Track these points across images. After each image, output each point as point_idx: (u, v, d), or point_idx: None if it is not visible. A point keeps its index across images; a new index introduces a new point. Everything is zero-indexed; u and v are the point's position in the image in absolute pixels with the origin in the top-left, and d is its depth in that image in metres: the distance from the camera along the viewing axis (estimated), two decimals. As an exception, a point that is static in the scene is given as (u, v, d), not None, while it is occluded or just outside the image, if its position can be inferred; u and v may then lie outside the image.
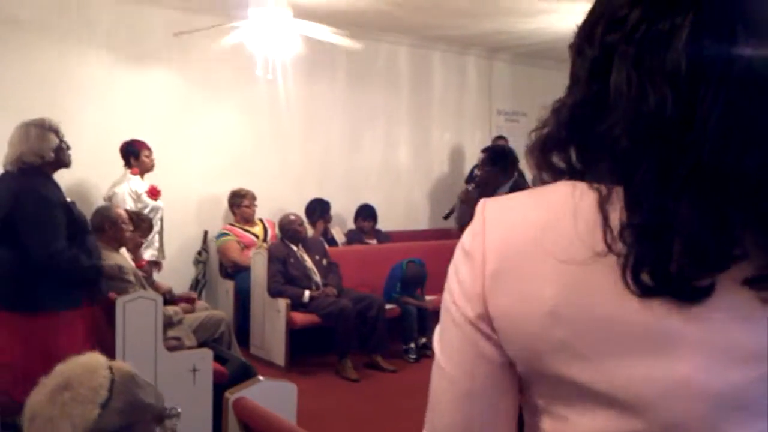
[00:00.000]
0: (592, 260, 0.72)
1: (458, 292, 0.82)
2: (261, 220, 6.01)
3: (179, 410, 1.45)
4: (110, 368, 1.39)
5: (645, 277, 0.70)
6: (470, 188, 5.16)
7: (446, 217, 5.66)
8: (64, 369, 1.39)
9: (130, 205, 4.93)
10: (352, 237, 6.51)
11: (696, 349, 0.72)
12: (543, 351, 0.77)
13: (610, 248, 0.71)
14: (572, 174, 0.77)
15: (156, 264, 5.13)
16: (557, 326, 0.75)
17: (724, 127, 0.68)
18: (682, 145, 0.68)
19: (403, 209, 7.23)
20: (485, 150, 4.49)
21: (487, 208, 0.82)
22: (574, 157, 0.77)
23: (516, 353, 0.80)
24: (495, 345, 0.81)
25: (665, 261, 0.69)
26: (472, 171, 6.96)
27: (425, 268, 5.68)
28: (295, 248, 5.42)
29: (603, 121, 0.72)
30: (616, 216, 0.71)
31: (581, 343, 0.75)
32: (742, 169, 0.67)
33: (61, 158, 3.31)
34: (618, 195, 0.72)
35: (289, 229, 5.46)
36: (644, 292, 0.70)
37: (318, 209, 6.22)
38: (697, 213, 0.68)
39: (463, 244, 0.84)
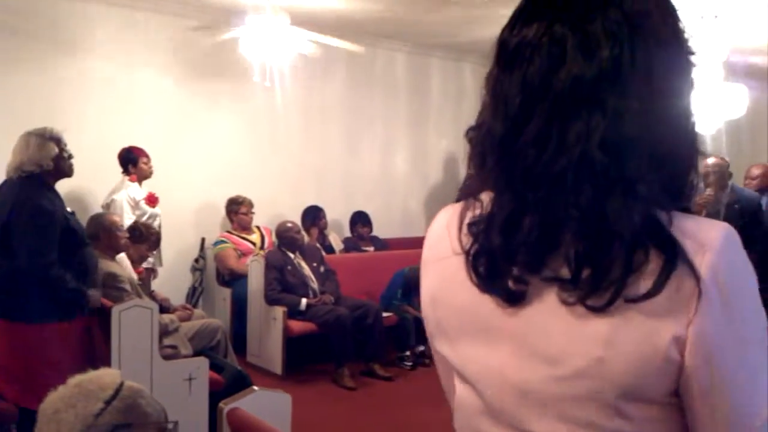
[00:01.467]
0: (454, 257, 0.86)
1: None
2: (258, 228, 6.00)
3: (177, 424, 1.50)
4: (122, 378, 1.49)
5: (481, 271, 0.82)
6: None
7: None
8: (81, 376, 1.49)
9: (128, 212, 4.92)
10: (349, 244, 6.50)
11: (511, 343, 0.83)
12: (431, 329, 0.95)
13: (461, 246, 0.85)
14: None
15: (152, 271, 5.12)
16: (437, 309, 0.92)
17: (540, 135, 0.78)
18: (512, 155, 0.80)
19: (400, 216, 7.22)
20: None
21: (440, 211, 0.97)
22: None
23: (426, 329, 0.98)
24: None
25: (494, 256, 0.81)
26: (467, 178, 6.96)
27: None
28: (292, 256, 5.41)
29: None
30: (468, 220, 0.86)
31: (447, 325, 0.91)
32: (548, 173, 0.77)
33: (61, 167, 3.31)
34: (479, 203, 0.85)
35: (286, 237, 5.45)
36: (481, 283, 0.83)
37: (310, 215, 6.22)
38: (516, 213, 0.79)
39: None
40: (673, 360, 0.75)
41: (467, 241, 0.84)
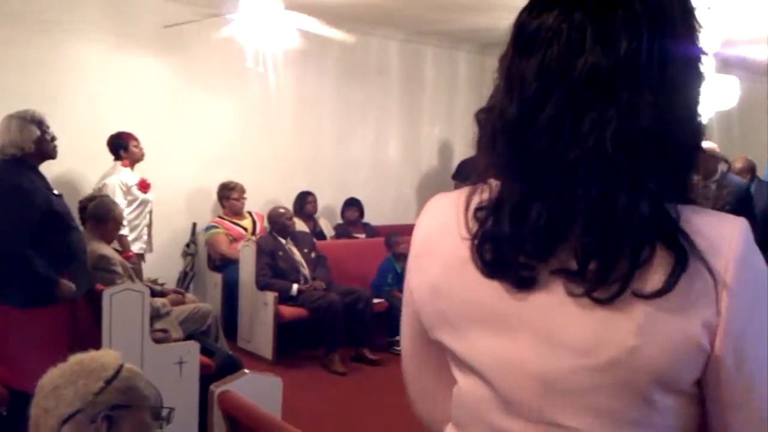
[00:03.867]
0: (461, 243, 0.84)
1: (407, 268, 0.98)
2: (250, 213, 6.00)
3: (173, 410, 1.53)
4: (122, 360, 1.51)
5: (487, 257, 0.81)
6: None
7: None
8: (82, 354, 1.52)
9: (120, 197, 4.91)
10: (340, 231, 6.51)
11: (530, 332, 0.81)
12: (431, 319, 0.92)
13: (468, 231, 0.84)
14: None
15: (140, 257, 5.12)
16: (438, 299, 0.89)
17: (555, 124, 0.77)
18: (524, 144, 0.79)
19: (392, 204, 7.24)
20: None
21: (432, 200, 0.96)
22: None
23: (423, 321, 0.94)
24: (416, 314, 0.95)
25: (501, 243, 0.80)
26: (459, 166, 6.96)
27: None
28: (283, 241, 5.42)
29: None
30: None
31: (452, 315, 0.88)
32: (562, 161, 0.76)
33: (44, 149, 3.30)
34: (488, 187, 0.84)
35: (277, 222, 5.46)
36: (486, 269, 0.82)
37: (297, 200, 6.24)
38: (525, 201, 0.78)
39: None
40: (704, 348, 0.76)
41: (474, 225, 0.83)
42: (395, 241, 5.74)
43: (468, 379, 0.88)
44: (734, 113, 6.59)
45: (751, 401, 0.78)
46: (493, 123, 0.83)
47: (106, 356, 1.50)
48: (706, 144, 4.74)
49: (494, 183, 0.84)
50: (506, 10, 5.84)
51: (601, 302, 0.75)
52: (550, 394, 0.80)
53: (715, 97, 6.02)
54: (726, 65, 6.02)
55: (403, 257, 5.62)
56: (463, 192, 0.88)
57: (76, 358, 1.48)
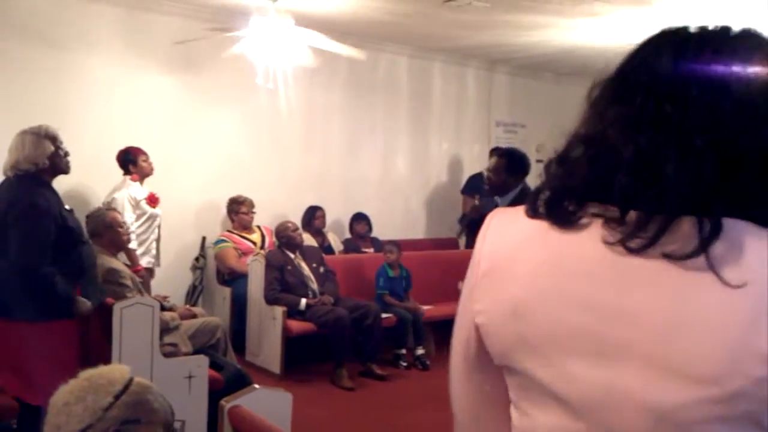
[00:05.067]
0: (545, 265, 0.81)
1: (465, 288, 0.91)
2: (259, 227, 6.03)
3: (184, 423, 1.53)
4: (131, 374, 1.52)
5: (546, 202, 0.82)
6: (477, 201, 5.18)
7: (459, 235, 5.67)
8: (91, 370, 1.52)
9: (129, 211, 4.95)
10: (349, 245, 6.53)
11: (635, 358, 0.74)
12: (507, 345, 0.85)
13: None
14: None
15: (149, 271, 5.14)
16: (519, 322, 0.82)
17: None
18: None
19: (401, 219, 7.25)
20: (502, 155, 4.44)
21: (494, 217, 0.91)
22: None
23: (489, 346, 0.87)
24: (479, 338, 0.89)
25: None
26: (469, 181, 6.98)
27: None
28: (292, 256, 5.44)
29: None
30: None
31: (537, 339, 0.81)
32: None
33: (57, 165, 3.31)
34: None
35: (284, 236, 5.48)
36: (545, 212, 0.81)
37: (306, 215, 6.26)
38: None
39: (474, 250, 0.93)
40: None
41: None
42: (387, 249, 5.85)
43: (548, 412, 0.82)
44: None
45: None
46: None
47: (115, 371, 1.51)
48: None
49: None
50: (513, 28, 5.90)
51: (632, 252, 0.74)
52: (662, 427, 0.74)
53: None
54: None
55: (392, 264, 5.76)
56: (541, 222, 0.85)
57: (86, 374, 1.49)
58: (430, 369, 5.42)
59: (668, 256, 0.73)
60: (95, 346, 3.46)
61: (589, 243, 0.78)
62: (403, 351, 5.53)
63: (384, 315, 5.47)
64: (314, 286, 5.42)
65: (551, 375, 0.80)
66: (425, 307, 5.73)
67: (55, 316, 3.20)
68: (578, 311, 0.78)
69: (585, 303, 0.77)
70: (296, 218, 6.04)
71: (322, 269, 5.58)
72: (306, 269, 5.45)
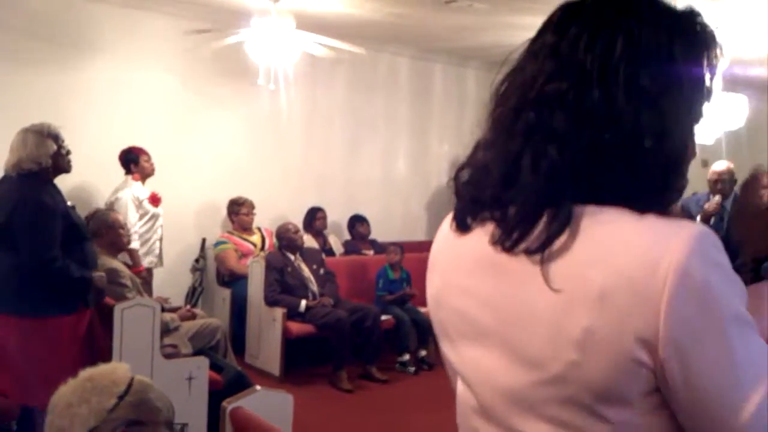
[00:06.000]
0: (453, 256, 0.95)
1: None
2: (259, 229, 6.02)
3: (186, 426, 1.53)
4: (131, 372, 1.51)
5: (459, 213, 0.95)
6: None
7: None
8: (91, 369, 1.51)
9: (133, 210, 4.95)
10: (349, 247, 6.52)
11: (499, 344, 0.87)
12: (437, 333, 0.99)
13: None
14: None
15: (150, 271, 5.14)
16: (438, 311, 0.97)
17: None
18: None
19: (401, 220, 7.25)
20: None
21: (446, 218, 1.00)
22: None
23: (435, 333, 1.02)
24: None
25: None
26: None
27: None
28: (292, 257, 5.43)
29: None
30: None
31: (449, 327, 0.95)
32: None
33: (59, 164, 3.33)
34: None
35: (285, 238, 5.47)
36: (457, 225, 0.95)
37: (307, 216, 6.26)
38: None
39: None
40: (642, 361, 0.76)
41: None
42: (389, 250, 5.91)
43: (461, 386, 0.97)
44: (743, 132, 6.59)
45: (706, 406, 0.77)
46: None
47: (117, 370, 1.50)
48: (721, 163, 4.64)
49: None
50: (513, 28, 5.90)
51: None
52: (514, 405, 0.86)
53: (724, 117, 6.01)
54: (733, 84, 6.03)
55: (394, 265, 5.79)
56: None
57: (86, 374, 1.48)
58: (432, 370, 5.41)
59: (527, 252, 0.82)
60: (100, 345, 3.46)
61: (479, 243, 0.88)
62: (407, 357, 5.49)
63: (383, 317, 5.47)
64: (314, 287, 5.41)
65: (453, 354, 0.95)
66: (424, 310, 5.73)
67: (64, 310, 3.22)
68: (465, 301, 0.91)
69: (469, 293, 0.90)
70: (296, 219, 6.03)
71: (322, 271, 5.57)
72: (306, 271, 5.44)
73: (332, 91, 6.68)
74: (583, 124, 0.82)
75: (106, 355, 3.36)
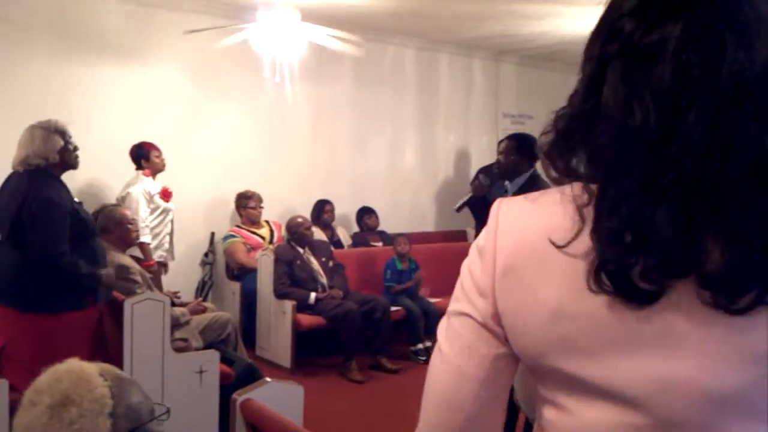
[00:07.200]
0: (575, 261, 0.76)
1: (470, 285, 0.85)
2: (267, 222, 6.03)
3: (168, 409, 1.41)
4: (102, 375, 1.34)
5: (604, 278, 0.73)
6: (482, 178, 5.15)
7: (459, 210, 5.67)
8: (53, 383, 1.31)
9: (144, 205, 4.97)
10: (358, 239, 6.53)
11: (696, 349, 0.73)
12: (547, 346, 0.80)
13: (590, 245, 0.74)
14: (574, 177, 0.80)
15: (163, 265, 5.16)
16: (560, 323, 0.78)
17: (706, 139, 0.69)
18: (665, 157, 0.70)
19: (409, 212, 7.24)
20: (512, 137, 4.43)
21: (501, 209, 0.85)
22: (574, 163, 0.79)
23: (521, 348, 0.83)
24: (500, 339, 0.84)
25: (629, 265, 0.71)
26: (477, 174, 6.95)
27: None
28: (301, 250, 5.44)
29: (592, 133, 0.75)
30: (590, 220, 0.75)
31: (580, 339, 0.77)
32: (721, 180, 0.69)
33: (66, 160, 3.34)
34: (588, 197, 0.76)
35: (296, 232, 5.48)
36: (601, 291, 0.73)
37: (315, 209, 6.27)
38: (672, 221, 0.70)
39: (478, 242, 0.87)
40: None
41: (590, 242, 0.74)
42: (397, 240, 5.90)
43: (591, 405, 0.79)
44: None
45: None
46: (620, 136, 0.73)
47: (91, 385, 1.31)
48: None
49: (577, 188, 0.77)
50: (520, 17, 5.87)
51: (735, 313, 0.70)
52: (725, 410, 0.74)
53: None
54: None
55: (402, 256, 5.79)
56: (558, 209, 0.79)
57: (59, 396, 1.28)
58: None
59: None
60: (110, 341, 3.48)
61: None
62: (420, 346, 5.52)
63: (393, 308, 5.48)
64: (323, 280, 5.42)
65: (600, 372, 0.77)
66: (434, 300, 5.73)
67: (74, 305, 3.24)
68: (599, 304, 0.75)
69: (595, 296, 0.75)
70: (305, 212, 6.03)
71: (331, 263, 5.58)
72: (315, 263, 5.45)
73: (338, 83, 6.67)
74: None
75: (116, 350, 3.38)
